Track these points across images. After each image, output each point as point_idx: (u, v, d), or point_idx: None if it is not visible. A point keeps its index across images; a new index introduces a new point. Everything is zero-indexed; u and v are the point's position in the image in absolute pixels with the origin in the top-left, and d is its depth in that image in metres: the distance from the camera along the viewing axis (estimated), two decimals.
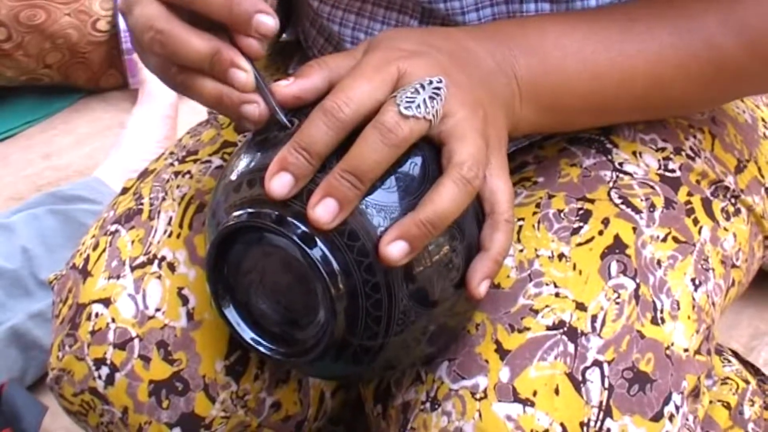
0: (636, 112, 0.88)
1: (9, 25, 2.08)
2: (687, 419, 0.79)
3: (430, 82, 0.69)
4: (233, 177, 0.74)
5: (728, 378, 1.05)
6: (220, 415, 0.87)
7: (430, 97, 0.69)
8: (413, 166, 0.71)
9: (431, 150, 0.72)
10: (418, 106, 0.68)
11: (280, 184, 0.68)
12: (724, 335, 1.51)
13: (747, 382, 1.05)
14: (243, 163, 0.74)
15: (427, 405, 0.78)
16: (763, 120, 1.04)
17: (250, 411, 0.88)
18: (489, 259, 0.72)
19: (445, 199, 0.68)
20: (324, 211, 0.68)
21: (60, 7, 2.10)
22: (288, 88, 0.74)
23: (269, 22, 0.71)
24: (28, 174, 2.02)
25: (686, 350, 0.80)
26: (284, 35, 1.16)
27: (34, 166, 2.04)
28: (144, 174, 0.98)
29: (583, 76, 0.81)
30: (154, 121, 1.93)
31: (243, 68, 0.72)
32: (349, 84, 0.70)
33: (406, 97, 0.68)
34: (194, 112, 2.04)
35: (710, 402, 0.99)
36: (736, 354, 1.17)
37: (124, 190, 0.97)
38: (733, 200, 0.93)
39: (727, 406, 1.00)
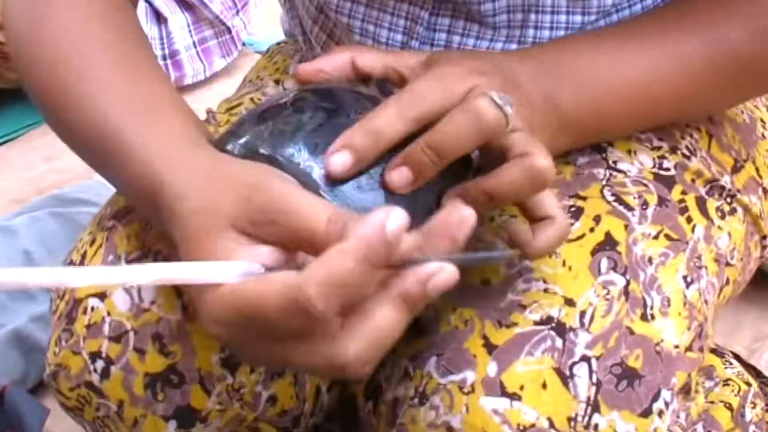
0: (666, 120, 0.90)
1: None
2: (678, 417, 0.79)
3: (501, 96, 0.70)
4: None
5: (730, 380, 1.05)
6: (215, 408, 0.86)
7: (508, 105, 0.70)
8: None
9: None
10: (506, 104, 0.69)
11: (341, 161, 0.70)
12: (726, 338, 1.51)
13: (749, 384, 1.05)
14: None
15: (416, 400, 0.78)
16: (761, 120, 1.04)
17: (245, 404, 0.88)
18: (530, 242, 0.75)
19: (508, 181, 0.71)
20: (399, 177, 0.71)
21: None
22: (304, 67, 0.77)
23: None
24: (30, 177, 2.02)
25: (677, 347, 0.80)
26: (284, 37, 1.16)
27: (35, 169, 2.04)
28: None
29: (623, 105, 0.84)
30: None
31: None
32: (426, 81, 0.72)
33: (496, 93, 0.69)
34: (197, 111, 2.05)
35: (712, 402, 0.99)
36: (737, 356, 1.17)
37: None
38: (728, 199, 0.92)
39: (729, 407, 1.00)
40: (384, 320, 0.58)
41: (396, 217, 0.55)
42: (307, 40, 1.02)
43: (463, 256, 0.61)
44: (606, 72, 0.82)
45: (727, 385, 1.04)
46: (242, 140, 0.72)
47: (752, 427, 1.01)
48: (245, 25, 2.44)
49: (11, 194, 1.96)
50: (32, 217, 1.63)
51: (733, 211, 0.93)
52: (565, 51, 0.83)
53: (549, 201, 0.74)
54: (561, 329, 0.77)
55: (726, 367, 1.09)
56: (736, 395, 1.02)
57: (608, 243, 0.83)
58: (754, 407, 1.03)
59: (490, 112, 0.68)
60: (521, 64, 0.80)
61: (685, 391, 0.81)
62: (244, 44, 2.46)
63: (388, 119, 0.70)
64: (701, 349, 0.84)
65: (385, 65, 0.80)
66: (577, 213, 0.85)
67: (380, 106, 0.71)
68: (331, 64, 0.77)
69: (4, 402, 1.38)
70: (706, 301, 0.86)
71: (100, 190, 1.73)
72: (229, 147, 0.72)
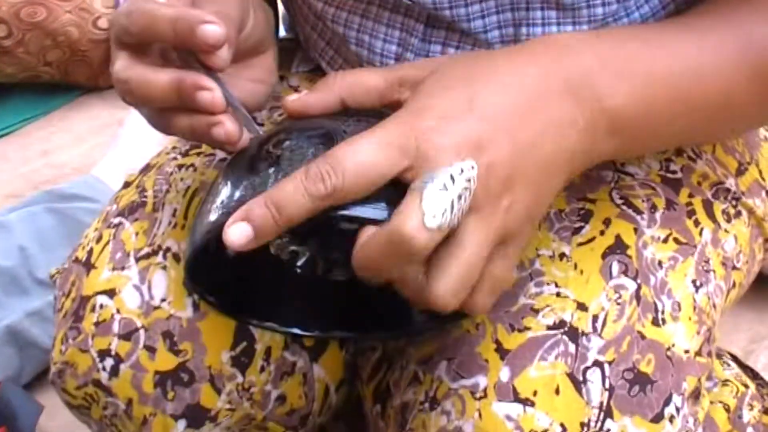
0: (707, 134, 0.86)
1: (9, 22, 2.07)
2: (687, 421, 0.79)
3: (461, 171, 0.63)
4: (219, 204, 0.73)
5: (728, 381, 1.05)
6: (225, 407, 0.86)
7: (459, 196, 0.63)
8: None
9: None
10: (444, 212, 0.62)
11: (238, 233, 0.66)
12: (723, 339, 1.50)
13: (746, 386, 1.05)
14: (229, 189, 0.72)
15: (426, 405, 0.78)
16: None
17: (255, 404, 0.88)
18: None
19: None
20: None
21: (61, 5, 2.10)
22: (292, 103, 0.73)
23: (215, 30, 0.70)
24: (26, 171, 2.01)
25: (687, 351, 0.80)
26: (284, 34, 1.16)
27: (31, 164, 2.03)
28: (146, 169, 0.98)
29: (671, 106, 0.77)
30: None
31: (207, 88, 0.71)
32: (351, 151, 0.65)
33: (433, 200, 0.62)
34: None
35: (711, 402, 0.99)
36: (735, 358, 1.17)
37: (126, 185, 0.97)
38: (734, 202, 0.93)
39: (727, 408, 1.00)
40: None
41: None
42: (306, 43, 1.02)
43: None
44: (651, 63, 0.76)
45: (726, 385, 1.04)
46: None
47: (750, 429, 1.01)
48: None
49: (7, 189, 1.95)
50: (28, 212, 1.62)
51: (738, 214, 0.93)
52: (606, 47, 0.76)
53: (487, 279, 0.69)
54: (574, 334, 0.77)
55: (724, 369, 1.08)
56: (734, 397, 1.01)
57: (618, 246, 0.83)
58: (751, 409, 1.02)
59: (417, 240, 0.62)
60: (553, 77, 0.72)
61: (695, 395, 0.81)
62: None
63: (291, 197, 0.65)
64: (710, 354, 0.84)
65: (379, 99, 0.75)
66: (586, 216, 0.85)
67: (289, 177, 0.65)
68: (318, 104, 0.73)
69: None
70: (714, 305, 0.86)
71: (97, 185, 1.72)
72: None
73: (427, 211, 0.62)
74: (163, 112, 0.74)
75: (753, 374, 1.15)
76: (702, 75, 0.77)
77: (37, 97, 2.20)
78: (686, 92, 0.76)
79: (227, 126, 0.71)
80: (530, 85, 0.71)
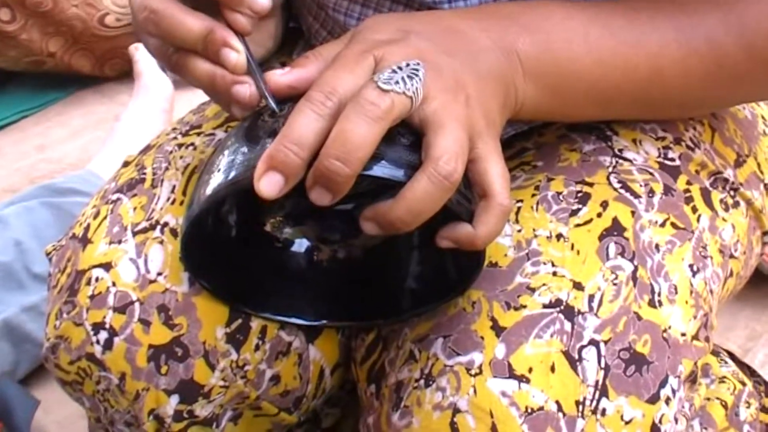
0: (636, 107, 0.87)
1: (13, 7, 2.07)
2: (683, 405, 0.79)
3: (407, 65, 0.68)
4: (219, 168, 0.74)
5: (726, 377, 1.04)
6: (219, 383, 0.86)
7: (408, 77, 0.68)
8: (405, 147, 0.70)
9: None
10: (397, 82, 0.67)
11: (269, 183, 0.67)
12: (720, 337, 1.52)
13: (743, 383, 1.05)
14: (228, 156, 0.73)
15: (421, 382, 0.78)
16: (762, 117, 1.04)
17: (249, 382, 0.87)
18: (471, 234, 0.72)
19: (419, 195, 0.68)
20: (318, 197, 0.68)
21: None
22: (283, 76, 0.74)
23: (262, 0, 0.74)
24: (22, 166, 2.02)
25: (683, 334, 0.80)
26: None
27: (28, 159, 2.04)
28: (146, 149, 0.98)
29: (587, 59, 0.80)
30: (150, 114, 1.93)
31: (235, 48, 0.74)
32: (330, 75, 0.70)
33: (384, 76, 0.67)
34: (191, 105, 2.04)
35: (708, 399, 0.99)
36: (732, 355, 1.17)
37: (126, 164, 0.97)
38: (732, 192, 0.93)
39: (724, 405, 0.99)
40: None
41: None
42: (309, 32, 1.02)
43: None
44: (561, 22, 0.80)
45: (723, 383, 1.03)
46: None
47: (746, 427, 1.00)
48: None
49: (3, 184, 1.96)
50: (24, 206, 1.62)
51: (736, 204, 0.93)
52: (520, 5, 0.82)
53: (493, 171, 0.72)
54: (570, 312, 0.77)
55: (721, 366, 1.08)
56: (731, 394, 1.01)
57: (615, 228, 0.83)
58: (748, 406, 1.02)
59: (380, 100, 0.66)
60: (467, 20, 0.79)
61: (691, 380, 0.81)
62: None
63: (304, 123, 0.67)
64: (707, 339, 0.83)
65: None
66: (584, 198, 0.84)
67: (294, 111, 0.69)
68: (303, 80, 0.75)
69: None
70: (711, 291, 0.86)
71: (93, 180, 1.72)
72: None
73: (379, 81, 0.67)
74: (180, 51, 0.76)
75: (750, 372, 1.15)
76: (628, 47, 0.81)
77: (33, 91, 2.20)
78: (608, 59, 0.81)
79: (252, 89, 0.74)
80: (451, 25, 0.78)
